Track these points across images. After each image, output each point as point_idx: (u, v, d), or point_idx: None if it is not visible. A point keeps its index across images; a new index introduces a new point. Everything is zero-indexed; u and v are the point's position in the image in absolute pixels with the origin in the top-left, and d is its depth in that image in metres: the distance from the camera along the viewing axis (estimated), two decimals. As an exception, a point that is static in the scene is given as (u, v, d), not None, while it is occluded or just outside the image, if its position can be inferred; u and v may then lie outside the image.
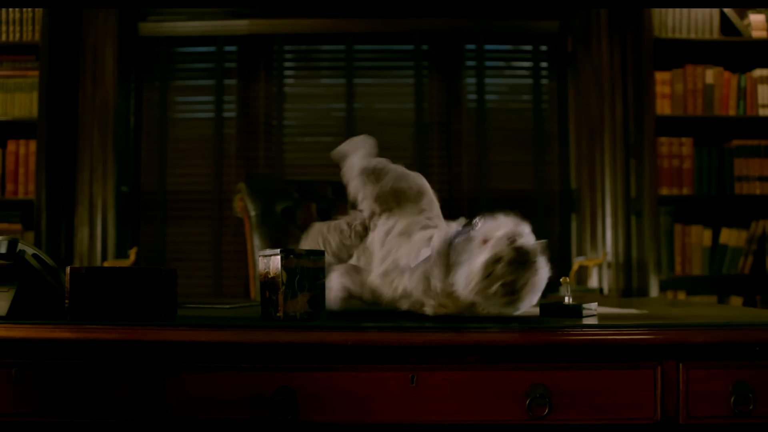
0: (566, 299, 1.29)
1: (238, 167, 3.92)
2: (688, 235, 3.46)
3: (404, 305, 1.28)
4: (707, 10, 3.48)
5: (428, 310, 1.24)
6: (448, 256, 1.17)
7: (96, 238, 3.65)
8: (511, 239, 1.11)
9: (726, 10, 3.49)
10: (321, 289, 1.20)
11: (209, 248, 3.90)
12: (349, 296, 1.35)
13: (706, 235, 3.46)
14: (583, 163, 3.75)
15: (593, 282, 3.65)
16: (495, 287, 1.09)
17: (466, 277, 1.12)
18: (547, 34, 3.95)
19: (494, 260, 1.09)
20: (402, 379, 1.06)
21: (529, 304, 1.13)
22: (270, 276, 1.19)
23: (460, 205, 3.76)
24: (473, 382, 1.07)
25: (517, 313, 1.15)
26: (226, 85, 3.96)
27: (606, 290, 3.59)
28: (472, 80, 3.94)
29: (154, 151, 3.93)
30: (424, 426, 1.07)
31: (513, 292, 1.10)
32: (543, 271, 1.12)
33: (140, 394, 1.07)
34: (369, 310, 1.40)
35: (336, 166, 1.52)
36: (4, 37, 3.51)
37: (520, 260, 1.10)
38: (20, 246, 1.19)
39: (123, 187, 3.84)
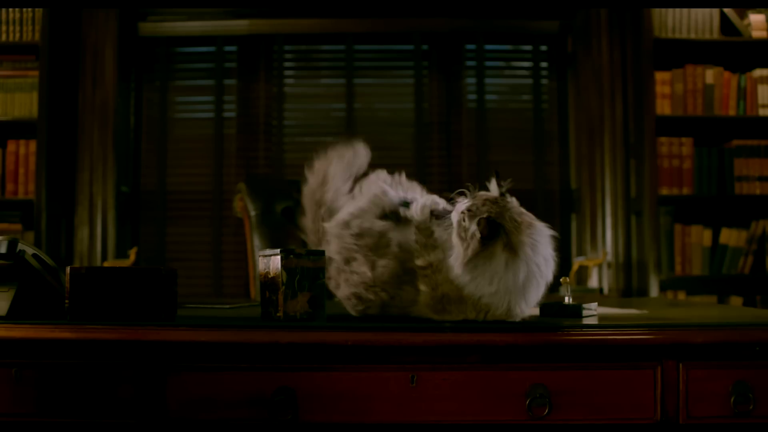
0: (566, 299, 1.29)
1: (238, 167, 3.92)
2: (688, 235, 3.46)
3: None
4: (707, 10, 3.47)
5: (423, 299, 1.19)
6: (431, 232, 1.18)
7: (96, 238, 3.65)
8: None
9: (726, 10, 3.49)
10: (321, 289, 1.20)
11: (209, 248, 3.90)
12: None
13: (706, 235, 3.46)
14: (583, 163, 3.75)
15: (593, 282, 3.65)
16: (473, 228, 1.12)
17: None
18: (547, 34, 3.95)
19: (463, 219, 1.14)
20: (402, 379, 1.06)
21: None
22: (270, 276, 1.19)
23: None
24: (473, 382, 1.07)
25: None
26: (226, 85, 3.96)
27: (606, 290, 3.59)
28: (472, 80, 3.94)
29: (154, 151, 3.93)
30: (424, 426, 1.07)
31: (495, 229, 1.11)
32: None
33: (140, 394, 1.07)
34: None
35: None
36: (4, 37, 3.51)
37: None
38: (20, 246, 1.19)
39: (123, 187, 3.84)
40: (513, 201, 1.17)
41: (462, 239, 1.12)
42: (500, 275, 1.10)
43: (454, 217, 1.15)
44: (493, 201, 1.14)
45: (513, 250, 1.10)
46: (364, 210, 1.26)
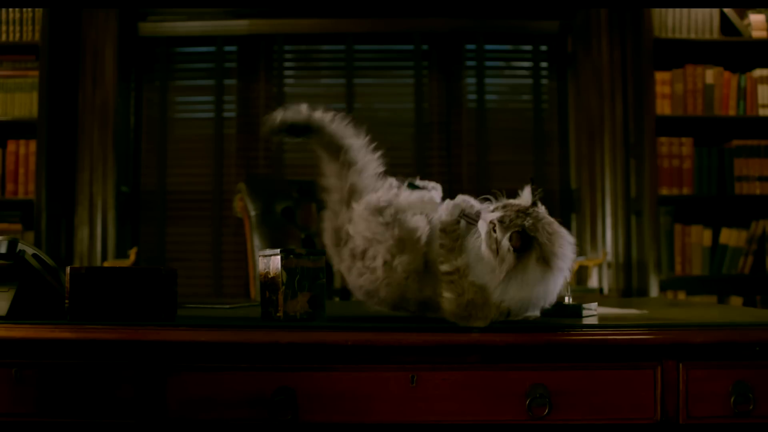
0: (566, 299, 1.29)
1: (238, 167, 3.92)
2: (688, 235, 3.46)
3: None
4: (707, 10, 3.47)
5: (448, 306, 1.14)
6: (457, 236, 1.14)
7: (96, 238, 3.65)
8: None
9: (726, 10, 3.49)
10: (321, 289, 1.20)
11: (209, 248, 3.90)
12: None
13: (706, 235, 3.46)
14: (583, 163, 3.75)
15: (593, 282, 3.65)
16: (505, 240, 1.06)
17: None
18: (547, 34, 3.95)
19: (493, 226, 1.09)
20: (402, 379, 1.06)
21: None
22: (270, 276, 1.19)
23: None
24: (473, 382, 1.07)
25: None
26: (226, 85, 3.96)
27: (606, 290, 3.59)
28: (472, 80, 3.94)
29: (154, 151, 3.93)
30: (424, 426, 1.07)
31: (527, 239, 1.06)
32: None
33: (140, 394, 1.07)
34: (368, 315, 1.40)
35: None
36: (4, 37, 3.51)
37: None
38: (20, 246, 1.19)
39: (123, 187, 3.84)
40: (542, 210, 1.12)
41: (493, 252, 1.07)
42: (533, 286, 1.07)
43: (482, 227, 1.09)
44: (526, 212, 1.09)
45: (547, 263, 1.06)
46: (407, 204, 1.21)
